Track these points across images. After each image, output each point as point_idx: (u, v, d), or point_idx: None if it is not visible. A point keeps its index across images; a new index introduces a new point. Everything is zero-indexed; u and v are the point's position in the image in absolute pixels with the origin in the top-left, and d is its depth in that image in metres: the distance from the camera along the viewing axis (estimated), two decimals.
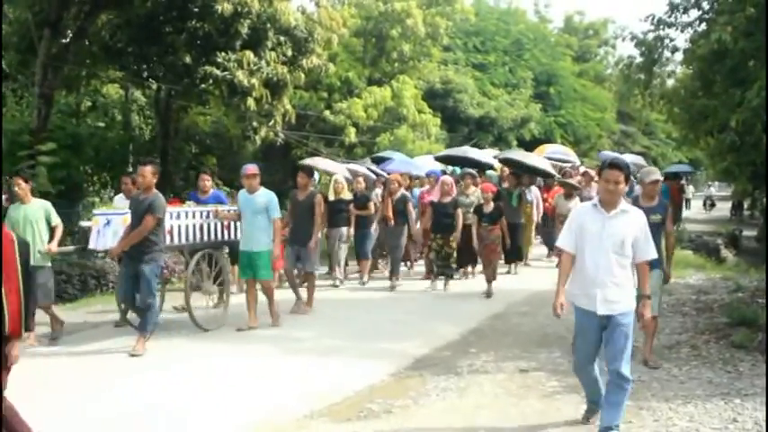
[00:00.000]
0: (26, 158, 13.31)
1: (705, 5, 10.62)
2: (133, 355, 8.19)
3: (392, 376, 7.53)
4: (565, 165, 20.68)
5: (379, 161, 19.82)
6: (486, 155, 20.02)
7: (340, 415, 6.33)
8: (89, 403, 6.64)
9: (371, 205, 13.81)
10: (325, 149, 24.22)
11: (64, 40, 16.09)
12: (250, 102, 16.32)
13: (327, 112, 25.01)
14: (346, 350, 8.51)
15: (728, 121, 9.22)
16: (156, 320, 8.80)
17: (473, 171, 15.36)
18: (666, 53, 11.07)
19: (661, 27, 10.76)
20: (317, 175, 15.82)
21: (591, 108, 40.32)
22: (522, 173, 15.60)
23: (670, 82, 12.21)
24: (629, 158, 25.31)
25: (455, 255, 12.67)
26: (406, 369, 7.78)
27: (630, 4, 47.26)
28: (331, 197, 13.41)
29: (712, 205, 40.56)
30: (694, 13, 10.71)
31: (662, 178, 7.57)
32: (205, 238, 9.78)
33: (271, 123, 18.25)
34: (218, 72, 15.78)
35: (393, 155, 20.67)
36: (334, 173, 15.08)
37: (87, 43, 16.77)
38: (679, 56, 11.23)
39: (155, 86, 18.53)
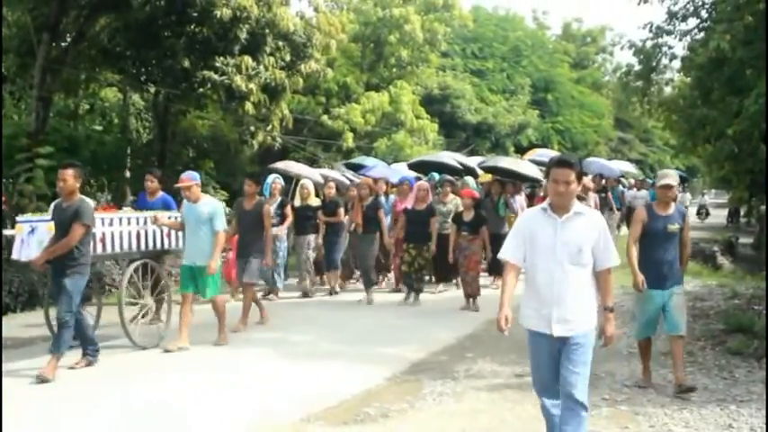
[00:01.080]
0: (24, 161, 13.30)
1: (703, 14, 10.67)
2: (41, 381, 7.20)
3: (389, 380, 7.53)
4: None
5: (356, 168, 19.05)
6: (471, 161, 19.00)
7: (336, 419, 6.33)
8: (92, 408, 6.64)
9: (341, 212, 12.87)
10: (323, 154, 24.27)
11: (63, 44, 16.09)
12: (248, 106, 16.35)
13: (325, 117, 25.05)
14: (343, 354, 8.51)
15: (726, 129, 9.26)
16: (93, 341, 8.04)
17: (452, 178, 14.80)
18: (664, 61, 11.10)
19: (659, 35, 10.79)
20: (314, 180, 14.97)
21: (588, 115, 40.44)
22: (507, 179, 14.83)
23: (668, 90, 12.25)
24: (616, 165, 24.89)
25: (428, 266, 12.14)
26: (403, 373, 7.79)
27: (629, 12, 47.33)
28: (297, 203, 12.85)
29: (707, 214, 39.71)
30: (693, 22, 10.77)
31: (676, 182, 7.06)
32: (142, 246, 9.00)
33: (268, 128, 18.30)
34: (216, 76, 15.80)
35: (366, 160, 20.08)
36: (305, 177, 14.18)
37: (86, 47, 16.77)
38: (677, 64, 11.28)
39: (153, 90, 18.53)
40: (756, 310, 10.39)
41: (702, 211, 39.49)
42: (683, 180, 29.16)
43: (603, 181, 19.45)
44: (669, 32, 10.78)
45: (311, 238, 12.73)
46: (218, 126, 21.21)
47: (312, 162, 22.38)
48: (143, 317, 9.14)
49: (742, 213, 35.10)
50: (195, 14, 15.82)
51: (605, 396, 6.87)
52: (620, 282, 14.01)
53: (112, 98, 23.03)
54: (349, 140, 24.43)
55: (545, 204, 4.98)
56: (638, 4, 11.17)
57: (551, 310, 4.86)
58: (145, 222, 9.02)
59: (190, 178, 8.94)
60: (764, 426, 6.04)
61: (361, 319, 10.77)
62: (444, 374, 7.71)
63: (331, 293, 12.92)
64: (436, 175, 15.65)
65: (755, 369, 7.80)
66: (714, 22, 9.93)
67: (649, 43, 10.90)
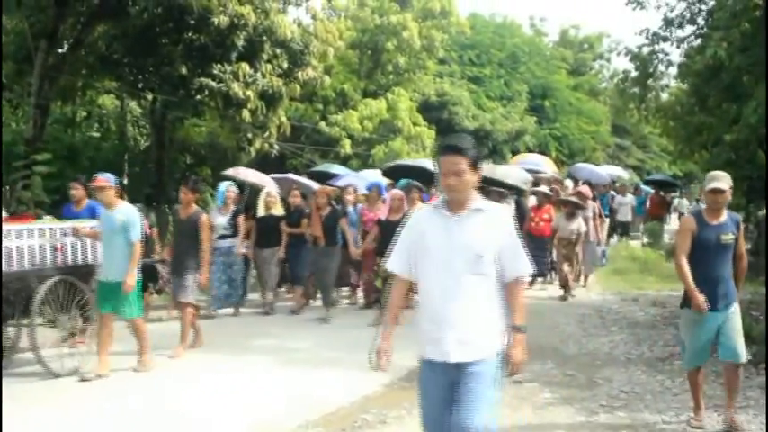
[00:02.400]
0: (22, 168, 13.31)
1: (700, 21, 10.71)
2: None
3: (386, 387, 7.51)
4: (538, 175, 18.66)
5: (321, 177, 17.15)
6: None
7: (334, 425, 6.33)
8: (90, 414, 6.64)
9: (305, 223, 11.80)
10: (320, 161, 24.28)
11: (60, 50, 16.12)
12: (245, 113, 16.39)
13: (323, 124, 25.12)
14: (341, 361, 8.49)
15: (723, 135, 9.28)
16: None
17: (419, 184, 13.31)
18: (661, 67, 11.13)
19: (656, 41, 10.83)
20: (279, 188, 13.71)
21: (586, 121, 40.49)
22: (493, 187, 13.41)
23: (664, 96, 12.27)
24: (606, 170, 24.49)
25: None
26: (401, 380, 7.76)
27: (626, 19, 47.56)
28: (261, 213, 11.94)
29: None
30: (689, 29, 10.81)
31: (728, 186, 6.00)
32: (59, 260, 8.07)
33: (266, 135, 18.35)
34: (213, 84, 15.84)
35: (333, 168, 18.88)
36: (262, 186, 13.32)
37: (84, 54, 16.81)
38: (673, 70, 11.31)
39: (150, 97, 18.57)
40: (754, 316, 10.38)
41: None
42: (669, 185, 27.99)
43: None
44: (666, 39, 10.82)
45: (274, 250, 11.82)
46: (216, 133, 21.25)
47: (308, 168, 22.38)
48: (64, 340, 8.31)
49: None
50: (192, 22, 15.88)
51: (603, 402, 6.86)
52: (616, 287, 14.07)
53: (110, 105, 23.11)
54: (346, 147, 24.49)
55: (438, 201, 4.12)
56: (633, 9, 11.22)
57: (445, 332, 3.94)
58: (64, 234, 8.16)
59: (105, 179, 7.88)
60: (763, 430, 6.04)
61: (359, 326, 10.75)
62: None
63: (293, 312, 11.76)
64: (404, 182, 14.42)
65: (753, 375, 7.80)
66: (711, 29, 9.96)
67: (646, 50, 10.95)
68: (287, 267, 12.42)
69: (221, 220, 11.27)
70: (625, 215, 21.72)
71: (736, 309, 6.19)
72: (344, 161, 24.64)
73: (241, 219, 11.45)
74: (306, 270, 11.80)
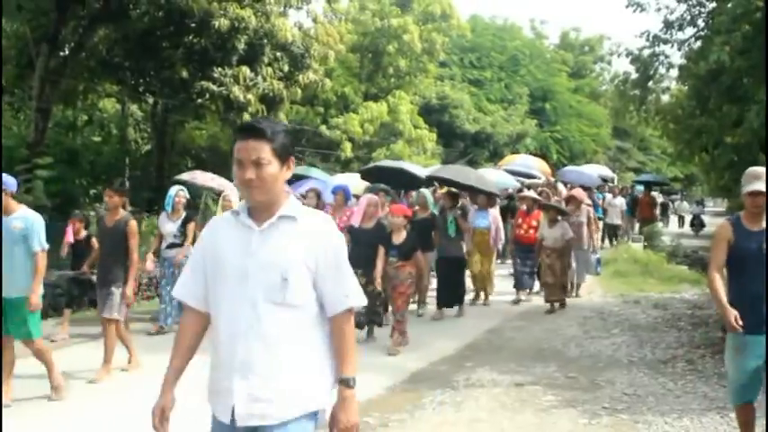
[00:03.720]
0: (23, 172, 13.33)
1: (700, 23, 10.70)
2: None
3: (388, 390, 7.50)
4: (530, 181, 18.01)
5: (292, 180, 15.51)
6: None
7: None
8: (89, 417, 6.63)
9: None
10: (322, 164, 24.30)
11: (62, 54, 16.15)
12: (246, 117, 16.39)
13: (323, 127, 25.17)
14: None
15: (724, 138, 9.28)
16: None
17: (387, 187, 12.80)
18: (661, 69, 11.12)
19: (656, 43, 10.82)
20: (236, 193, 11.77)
21: (586, 124, 40.54)
22: (466, 191, 12.85)
23: (665, 98, 12.26)
24: (596, 170, 23.19)
25: (383, 294, 9.63)
26: (402, 383, 7.77)
27: (626, 21, 47.59)
28: None
29: (701, 226, 34.40)
30: (689, 31, 10.79)
31: (764, 187, 4.97)
32: None
33: None
34: (214, 87, 15.87)
35: (310, 170, 17.50)
36: (220, 189, 12.38)
37: (85, 58, 16.84)
38: (674, 72, 11.30)
39: (151, 101, 18.62)
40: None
41: (696, 223, 34.83)
42: (653, 184, 27.15)
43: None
44: (666, 41, 10.80)
45: None
46: (217, 137, 21.29)
47: None
48: None
49: None
50: (193, 25, 15.91)
51: (605, 404, 6.85)
52: (618, 289, 14.06)
53: (111, 109, 23.14)
54: (347, 150, 24.53)
55: (241, 206, 3.07)
56: (634, 12, 11.22)
57: (233, 383, 2.96)
58: None
59: (4, 182, 6.78)
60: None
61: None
62: (444, 384, 7.69)
63: None
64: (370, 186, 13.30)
65: None
66: (712, 32, 9.96)
67: (646, 52, 10.93)
68: None
69: (170, 226, 10.32)
70: (615, 217, 20.76)
71: (762, 341, 4.97)
72: (345, 164, 24.67)
73: (192, 226, 10.30)
74: None
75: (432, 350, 9.22)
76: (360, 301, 3.10)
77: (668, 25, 10.77)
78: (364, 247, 9.17)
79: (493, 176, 15.75)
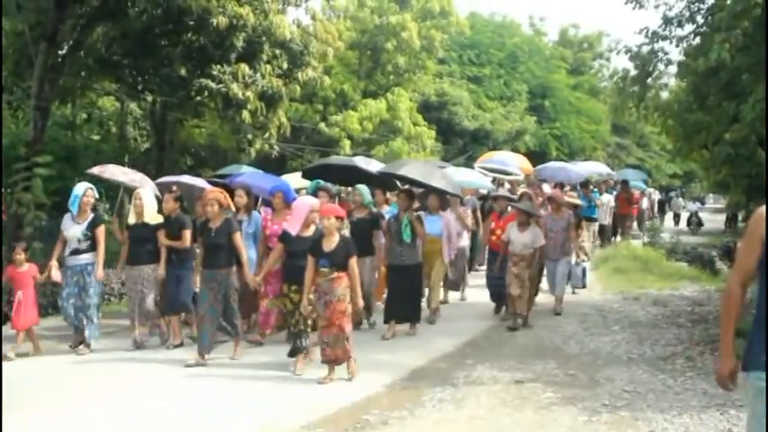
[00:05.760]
0: (22, 171, 13.30)
1: (699, 19, 10.69)
2: None
3: (388, 387, 7.52)
4: (509, 177, 16.96)
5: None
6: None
7: (336, 426, 6.33)
8: (94, 415, 6.63)
9: (187, 234, 9.35)
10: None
11: (60, 52, 16.12)
12: (245, 114, 16.35)
13: (322, 125, 25.14)
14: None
15: (723, 134, 9.28)
16: None
17: (329, 185, 11.39)
18: (660, 66, 11.12)
19: (655, 40, 10.82)
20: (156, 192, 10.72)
21: (586, 120, 40.49)
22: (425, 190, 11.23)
23: (664, 94, 12.26)
24: (583, 167, 21.26)
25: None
26: (403, 380, 7.78)
27: (625, 18, 47.50)
28: (132, 220, 9.55)
29: (699, 225, 33.24)
30: (689, 27, 10.79)
31: None
32: None
33: (266, 136, 18.32)
34: (213, 85, 15.82)
35: (241, 168, 15.85)
36: (132, 185, 11.03)
37: (83, 56, 16.80)
38: (673, 68, 11.30)
39: (150, 99, 18.56)
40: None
41: (693, 221, 33.41)
42: (641, 180, 26.83)
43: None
44: (665, 38, 10.81)
45: (149, 269, 9.35)
46: (216, 134, 21.26)
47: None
48: None
49: (740, 218, 35.04)
50: (191, 23, 15.86)
51: (605, 402, 6.86)
52: (618, 286, 14.06)
53: (110, 107, 23.12)
54: (346, 148, 24.50)
55: None
56: (633, 8, 11.23)
57: None
58: None
59: None
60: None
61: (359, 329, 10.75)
62: (444, 381, 7.70)
63: (167, 346, 9.37)
64: (312, 185, 11.60)
65: None
66: (712, 29, 9.95)
67: (645, 48, 10.93)
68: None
69: (75, 230, 9.19)
70: (603, 217, 19.42)
71: None
72: None
73: (101, 229, 9.28)
74: (190, 294, 9.50)
75: (431, 347, 9.23)
76: None
77: (667, 22, 10.77)
78: (300, 258, 7.86)
79: (465, 176, 14.64)
